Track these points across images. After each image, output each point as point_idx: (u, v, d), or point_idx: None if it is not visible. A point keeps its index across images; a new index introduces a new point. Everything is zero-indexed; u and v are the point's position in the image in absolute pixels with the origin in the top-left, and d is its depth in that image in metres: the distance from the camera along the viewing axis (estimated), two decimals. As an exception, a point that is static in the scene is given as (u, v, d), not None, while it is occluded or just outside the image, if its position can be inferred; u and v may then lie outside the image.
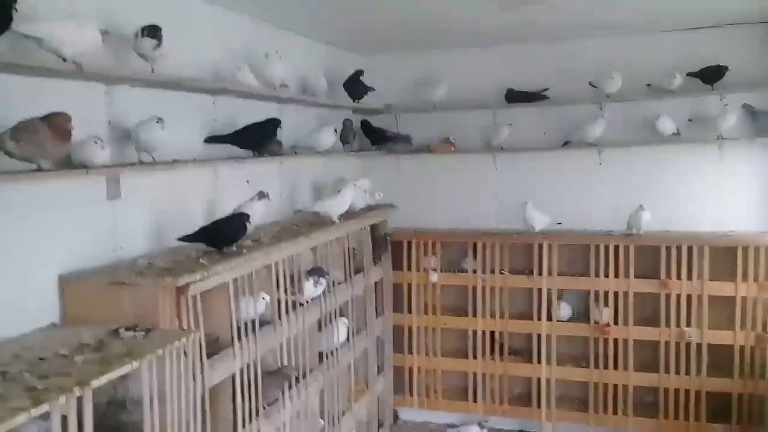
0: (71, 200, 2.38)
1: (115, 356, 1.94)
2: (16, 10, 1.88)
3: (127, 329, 2.19)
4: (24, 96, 2.16)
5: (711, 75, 4.32)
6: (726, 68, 4.27)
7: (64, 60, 2.09)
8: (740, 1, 3.70)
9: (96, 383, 1.75)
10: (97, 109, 2.53)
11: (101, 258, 2.52)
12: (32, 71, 2.13)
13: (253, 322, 2.88)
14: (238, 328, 2.76)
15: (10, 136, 1.98)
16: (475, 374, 4.91)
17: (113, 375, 1.84)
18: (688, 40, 4.46)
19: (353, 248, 4.12)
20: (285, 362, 3.17)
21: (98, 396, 1.82)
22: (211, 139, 3.15)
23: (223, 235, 2.75)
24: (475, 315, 4.84)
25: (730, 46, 4.37)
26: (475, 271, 4.81)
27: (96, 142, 2.27)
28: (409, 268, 4.94)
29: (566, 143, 4.67)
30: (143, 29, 2.50)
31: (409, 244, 4.93)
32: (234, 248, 2.79)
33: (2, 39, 1.90)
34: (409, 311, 4.98)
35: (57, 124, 2.05)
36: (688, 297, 4.39)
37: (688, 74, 4.36)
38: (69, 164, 2.27)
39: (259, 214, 3.09)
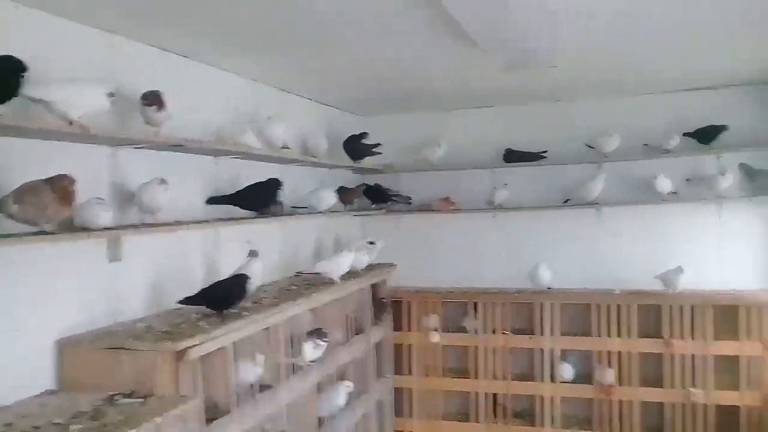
0: (72, 262, 2.36)
1: (111, 425, 1.88)
2: (23, 77, 1.90)
3: (125, 396, 2.14)
4: (27, 157, 2.17)
5: (707, 135, 4.38)
6: (724, 127, 4.33)
7: (71, 123, 2.10)
8: (734, 63, 3.78)
9: (93, 454, 1.68)
10: (101, 171, 2.54)
11: (100, 321, 2.48)
12: (38, 134, 2.14)
13: (252, 386, 2.81)
14: (237, 394, 2.69)
15: (13, 199, 1.97)
16: (477, 438, 4.79)
17: (110, 445, 1.78)
18: (684, 101, 4.54)
19: (353, 311, 4.07)
20: (284, 429, 3.08)
21: (94, 467, 1.76)
22: (213, 200, 3.15)
23: (223, 296, 2.72)
24: (476, 376, 4.76)
25: (725, 106, 4.45)
26: (476, 332, 4.75)
27: (99, 204, 2.26)
28: (410, 328, 4.88)
29: (566, 201, 4.68)
30: (144, 96, 2.52)
31: (410, 303, 4.89)
32: (234, 310, 2.75)
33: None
34: (410, 372, 4.89)
35: (60, 186, 2.05)
36: (693, 357, 4.33)
37: (685, 134, 4.42)
38: (71, 226, 2.26)
39: (258, 275, 3.06)
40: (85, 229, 2.24)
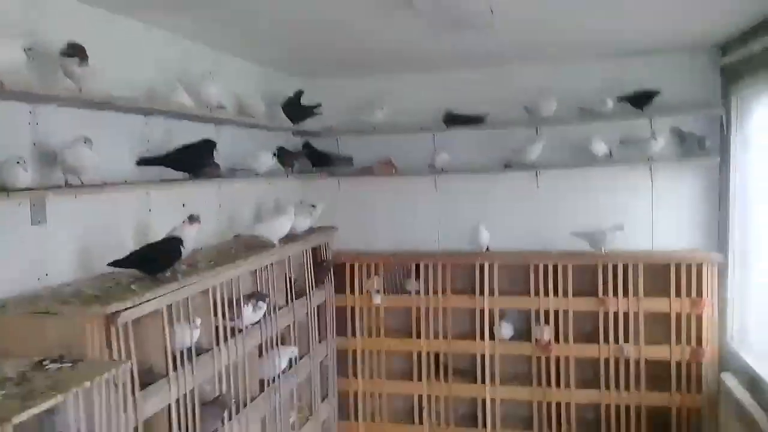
0: (-9, 225, 2.26)
1: (38, 390, 1.82)
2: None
3: (53, 361, 2.07)
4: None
5: (641, 99, 4.47)
6: (656, 92, 4.43)
7: (-16, 78, 1.98)
8: (668, 28, 3.85)
9: (17, 419, 1.63)
10: (21, 130, 2.42)
11: (25, 286, 2.39)
12: (-52, 89, 2.02)
13: (189, 349, 2.77)
14: (173, 357, 2.65)
15: None
16: (420, 396, 4.89)
17: (36, 410, 1.72)
18: (618, 66, 4.61)
19: (294, 274, 4.05)
20: (223, 391, 3.06)
21: (22, 432, 1.71)
22: (144, 161, 3.03)
23: (155, 259, 2.65)
24: (419, 336, 4.83)
25: (659, 71, 4.54)
26: (418, 293, 4.81)
27: (18, 163, 2.15)
28: (352, 291, 4.90)
29: (507, 166, 4.73)
30: (65, 47, 2.40)
31: (352, 266, 4.90)
32: (168, 273, 2.69)
33: None
34: (353, 334, 4.92)
35: (-26, 144, 1.94)
36: (625, 314, 4.49)
37: (619, 98, 4.51)
38: (-12, 187, 2.15)
39: (192, 238, 2.98)
40: (4, 190, 2.13)
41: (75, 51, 2.40)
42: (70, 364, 2.06)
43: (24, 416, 1.67)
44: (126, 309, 2.27)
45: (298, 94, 4.32)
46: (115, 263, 2.57)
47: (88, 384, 1.92)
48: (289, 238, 3.90)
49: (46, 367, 2.04)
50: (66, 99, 2.42)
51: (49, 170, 2.50)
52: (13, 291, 2.33)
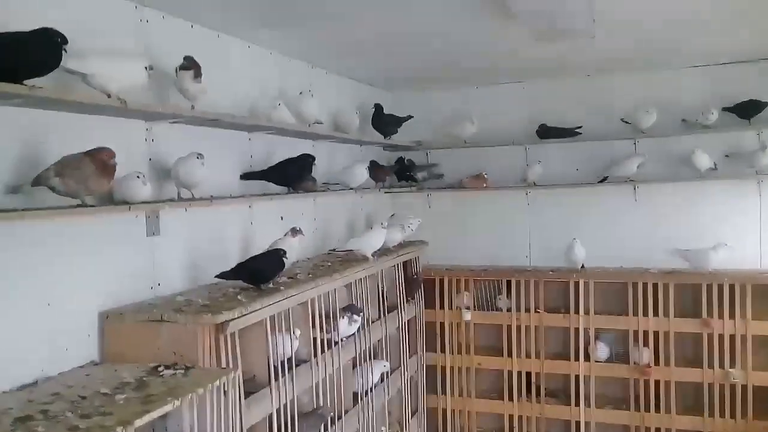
0: (111, 236, 2.38)
1: (156, 395, 1.90)
2: (66, 51, 1.89)
3: (167, 367, 2.16)
4: (67, 131, 2.17)
5: (747, 109, 4.25)
6: (765, 103, 4.20)
7: (109, 96, 2.10)
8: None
9: (139, 422, 1.71)
10: (139, 146, 2.55)
11: (140, 295, 2.50)
12: (76, 107, 2.14)
13: (289, 360, 2.82)
14: (275, 367, 2.70)
15: (54, 171, 1.97)
16: (510, 416, 4.78)
17: (155, 414, 1.79)
18: (722, 75, 4.40)
19: (386, 288, 4.06)
20: (320, 403, 3.09)
21: (138, 435, 1.78)
22: (247, 176, 3.15)
23: (260, 271, 2.72)
24: (510, 355, 4.73)
25: (764, 80, 4.30)
26: (509, 310, 4.72)
27: (138, 177, 2.26)
28: (442, 306, 4.86)
29: (604, 179, 4.59)
30: (182, 62, 2.52)
31: (441, 281, 4.86)
32: (271, 285, 2.75)
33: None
34: (443, 351, 4.88)
35: (101, 159, 2.05)
36: (731, 337, 4.25)
37: (724, 109, 4.29)
38: (111, 200, 2.27)
39: (294, 251, 3.06)
40: (125, 203, 2.25)
41: (191, 64, 2.51)
42: (183, 371, 2.14)
43: (146, 419, 1.75)
44: (234, 318, 2.33)
45: (379, 108, 4.36)
46: (222, 275, 2.65)
47: (201, 390, 1.99)
48: (382, 252, 3.92)
49: (161, 373, 2.12)
50: (181, 116, 2.52)
51: (161, 184, 2.62)
52: (130, 299, 2.44)
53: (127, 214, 2.33)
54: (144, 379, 2.06)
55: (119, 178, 2.20)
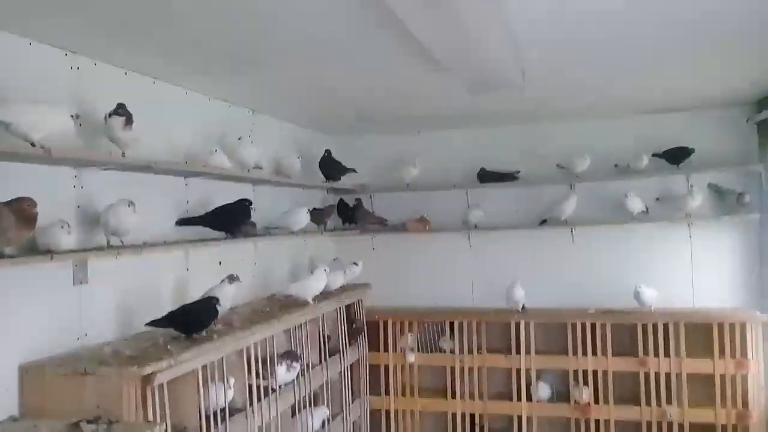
0: (35, 286, 2.32)
1: (73, 453, 1.84)
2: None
3: (89, 422, 2.10)
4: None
5: (676, 156, 4.45)
6: (692, 150, 4.40)
7: (33, 145, 2.07)
8: (702, 86, 3.85)
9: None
10: (67, 193, 2.50)
11: (65, 346, 2.43)
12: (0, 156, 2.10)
13: (223, 410, 2.76)
14: (207, 417, 2.65)
15: (-28, 222, 1.93)
16: (455, 459, 4.76)
17: (71, 474, 1.73)
18: (652, 123, 4.61)
19: (328, 332, 4.04)
20: (256, 453, 3.03)
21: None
22: (183, 222, 3.12)
23: (191, 320, 2.68)
24: (454, 396, 4.73)
25: (693, 128, 4.53)
26: (453, 351, 4.74)
27: (62, 227, 2.22)
28: (386, 349, 4.85)
29: (543, 222, 4.71)
30: (114, 108, 2.49)
31: (386, 323, 4.86)
32: (204, 333, 2.71)
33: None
34: (387, 393, 4.85)
35: (20, 209, 2.02)
36: (667, 375, 4.35)
37: (654, 155, 4.48)
38: (34, 249, 2.22)
39: (230, 298, 3.03)
40: (48, 252, 2.20)
41: (122, 111, 2.49)
42: (105, 426, 2.07)
43: (59, 480, 1.69)
44: (162, 370, 2.28)
45: (328, 153, 4.40)
46: (153, 323, 2.61)
47: (123, 447, 1.93)
48: (324, 295, 3.91)
49: (83, 428, 2.06)
50: (110, 163, 2.50)
51: (91, 231, 2.58)
52: (53, 351, 2.37)
53: (50, 264, 2.27)
54: (63, 435, 1.99)
55: (42, 226, 2.16)
